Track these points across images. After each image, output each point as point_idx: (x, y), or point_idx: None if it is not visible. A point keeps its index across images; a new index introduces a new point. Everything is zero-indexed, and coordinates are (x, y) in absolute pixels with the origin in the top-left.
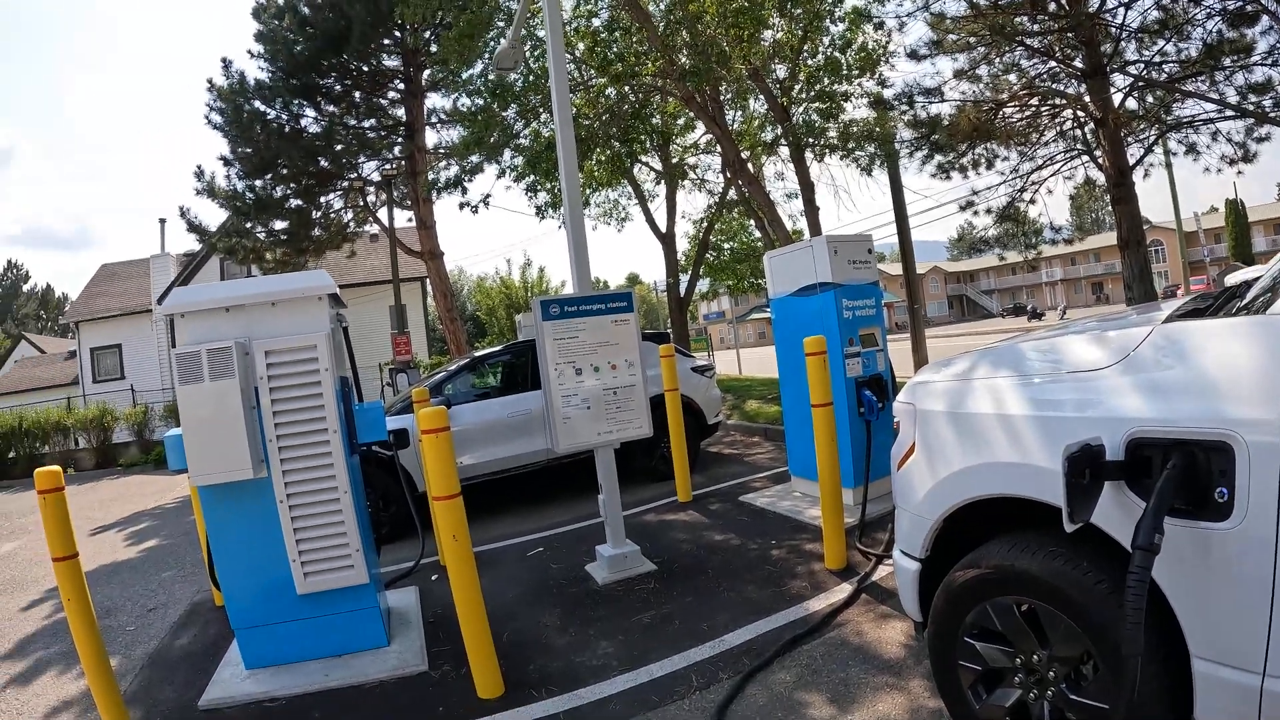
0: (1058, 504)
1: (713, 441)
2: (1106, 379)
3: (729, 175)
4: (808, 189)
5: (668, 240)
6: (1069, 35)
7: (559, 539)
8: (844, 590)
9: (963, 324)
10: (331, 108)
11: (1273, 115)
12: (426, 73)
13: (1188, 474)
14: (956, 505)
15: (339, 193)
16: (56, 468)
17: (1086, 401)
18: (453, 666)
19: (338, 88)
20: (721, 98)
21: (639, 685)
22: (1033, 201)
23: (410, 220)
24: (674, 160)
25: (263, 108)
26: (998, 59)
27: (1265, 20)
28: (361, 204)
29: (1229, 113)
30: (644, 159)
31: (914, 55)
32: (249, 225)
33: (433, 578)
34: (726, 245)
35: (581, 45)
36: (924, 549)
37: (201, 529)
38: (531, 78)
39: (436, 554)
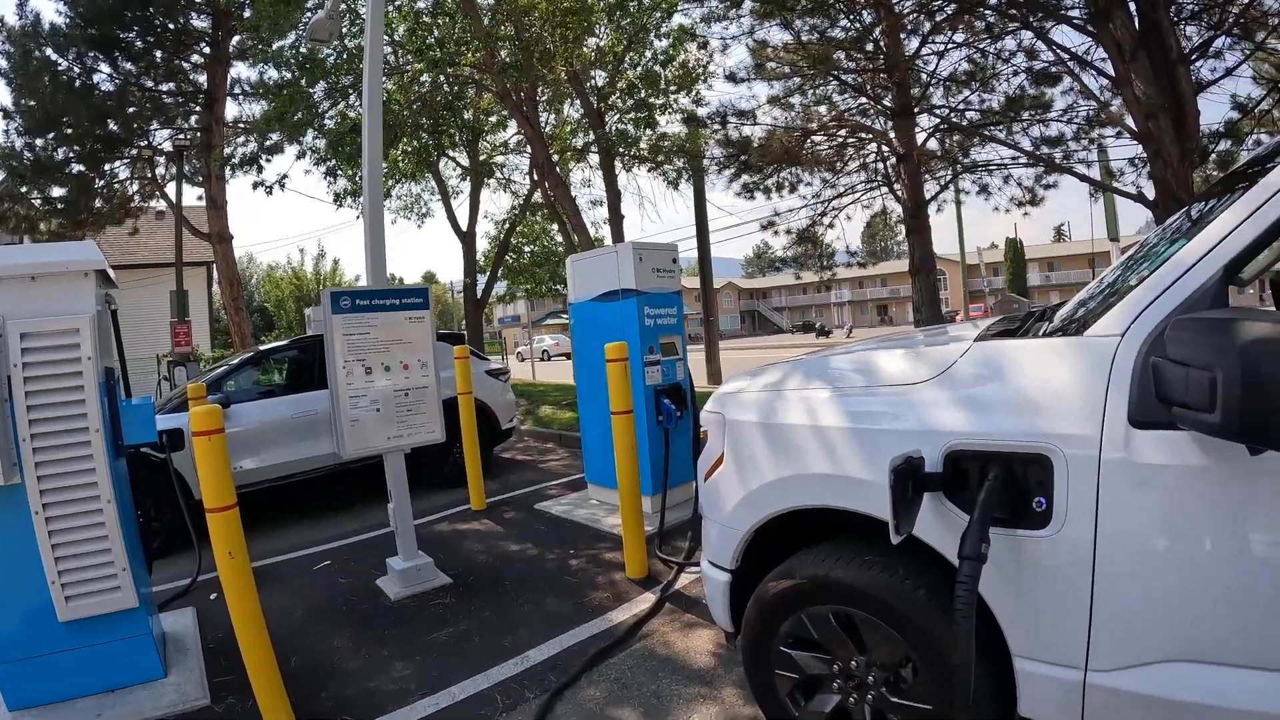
0: (873, 514)
1: (506, 447)
2: (923, 393)
3: (536, 177)
4: (614, 197)
5: (468, 239)
6: (883, 75)
7: (348, 550)
8: (647, 600)
9: (754, 338)
10: (129, 65)
11: (1062, 164)
12: (236, 39)
13: (1007, 485)
14: (769, 516)
15: (126, 161)
16: None
17: (904, 415)
18: (238, 699)
19: (139, 43)
20: (538, 98)
21: (441, 710)
22: (831, 226)
23: (200, 199)
24: (482, 158)
25: (54, 56)
26: (812, 90)
27: (1067, 81)
28: (149, 176)
29: (1023, 160)
30: (451, 153)
31: (732, 78)
32: (24, 189)
33: (211, 596)
34: (527, 248)
35: (402, 28)
36: (734, 560)
37: None
38: (345, 55)
39: (216, 569)
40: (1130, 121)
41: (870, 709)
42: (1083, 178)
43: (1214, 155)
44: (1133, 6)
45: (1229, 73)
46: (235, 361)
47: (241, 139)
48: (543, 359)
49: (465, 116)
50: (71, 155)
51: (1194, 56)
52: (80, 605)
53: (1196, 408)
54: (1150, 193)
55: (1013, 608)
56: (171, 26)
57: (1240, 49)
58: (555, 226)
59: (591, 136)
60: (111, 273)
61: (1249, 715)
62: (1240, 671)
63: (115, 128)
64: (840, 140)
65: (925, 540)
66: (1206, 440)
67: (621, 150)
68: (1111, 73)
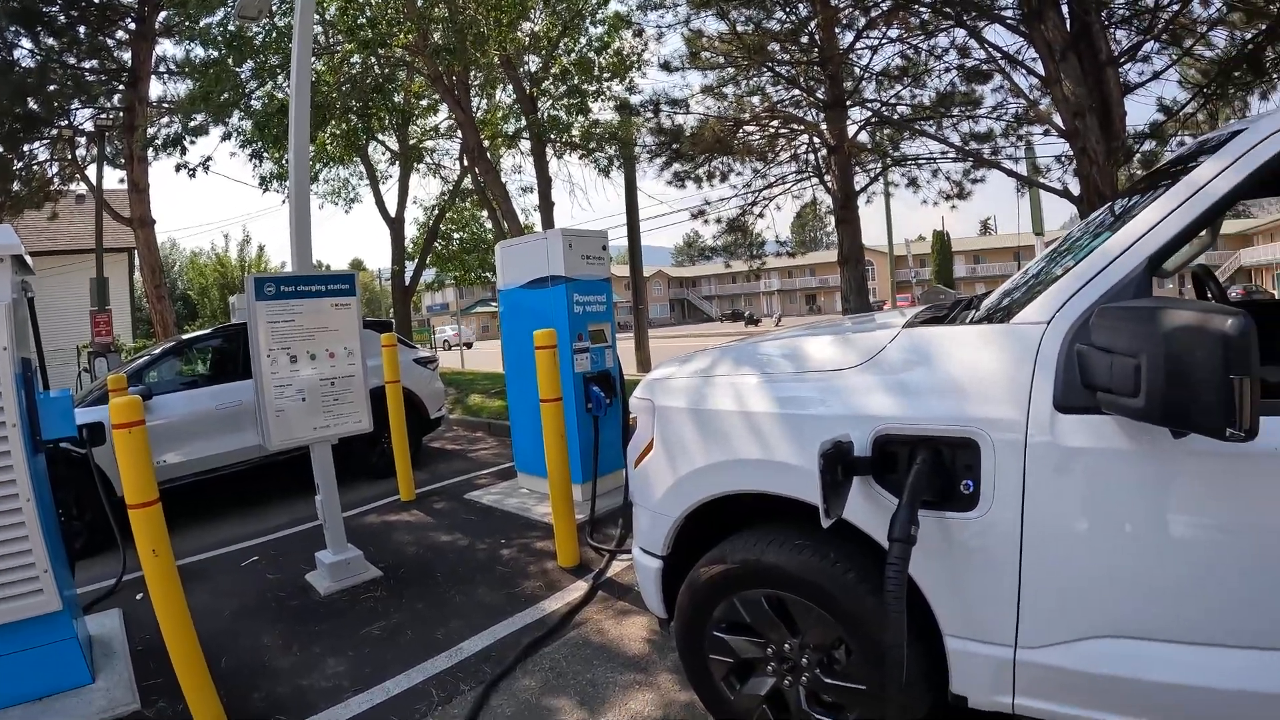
0: (804, 499)
1: (435, 437)
2: (852, 378)
3: (467, 163)
4: (545, 184)
5: (397, 225)
6: (816, 67)
7: (276, 545)
8: (580, 588)
9: (683, 326)
10: (51, 40)
11: (990, 160)
12: (162, 15)
13: (935, 469)
14: (699, 502)
15: (46, 142)
16: None
17: (833, 400)
18: (169, 702)
19: (62, 18)
20: (470, 82)
21: (376, 706)
22: (761, 215)
23: (121, 182)
24: (412, 142)
25: None
26: (745, 80)
27: (997, 79)
28: (69, 157)
29: (952, 154)
30: (380, 137)
31: (667, 67)
32: None
33: (137, 596)
34: (456, 235)
35: (333, 6)
36: (665, 546)
37: None
38: (274, 34)
39: (141, 568)
40: (1058, 120)
41: (805, 690)
42: (1010, 173)
43: (1139, 155)
44: (1065, 9)
45: (1156, 76)
46: (157, 351)
47: (165, 119)
48: (444, 349)
49: (396, 99)
50: None
51: (1123, 59)
52: (2, 610)
53: (1121, 393)
54: (1076, 189)
55: (943, 588)
56: (96, 0)
57: (1169, 54)
58: (485, 213)
59: (523, 122)
60: (29, 259)
61: (1173, 688)
62: (1164, 646)
63: (35, 106)
64: (772, 131)
65: (855, 524)
66: (1130, 424)
67: (553, 137)
68: (1041, 72)
